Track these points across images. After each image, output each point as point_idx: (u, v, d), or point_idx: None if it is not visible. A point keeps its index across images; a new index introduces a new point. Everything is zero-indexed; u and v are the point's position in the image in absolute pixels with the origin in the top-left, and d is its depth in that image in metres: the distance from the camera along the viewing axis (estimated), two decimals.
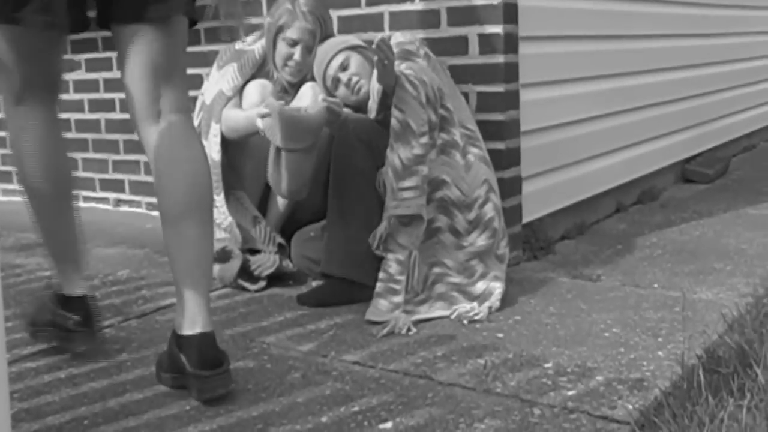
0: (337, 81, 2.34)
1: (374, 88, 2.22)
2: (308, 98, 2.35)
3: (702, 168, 3.82)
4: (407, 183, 2.01)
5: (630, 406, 1.48)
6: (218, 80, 2.45)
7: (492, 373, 1.66)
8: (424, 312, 2.04)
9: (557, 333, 1.89)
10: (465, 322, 1.98)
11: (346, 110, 2.38)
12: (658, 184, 3.56)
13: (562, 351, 1.78)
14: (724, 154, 4.19)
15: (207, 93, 2.48)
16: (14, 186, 3.95)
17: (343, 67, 2.33)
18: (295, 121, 2.10)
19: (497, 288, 2.10)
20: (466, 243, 2.12)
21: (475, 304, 2.06)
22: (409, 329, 1.93)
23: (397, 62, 2.07)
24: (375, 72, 2.21)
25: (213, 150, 2.38)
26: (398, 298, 2.00)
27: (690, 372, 1.55)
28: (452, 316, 2.02)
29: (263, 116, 2.16)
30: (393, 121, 2.04)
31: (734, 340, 1.68)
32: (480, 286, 2.10)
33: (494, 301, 2.07)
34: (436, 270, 2.11)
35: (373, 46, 1.96)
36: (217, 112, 2.39)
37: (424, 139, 2.03)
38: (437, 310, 2.05)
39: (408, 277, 2.02)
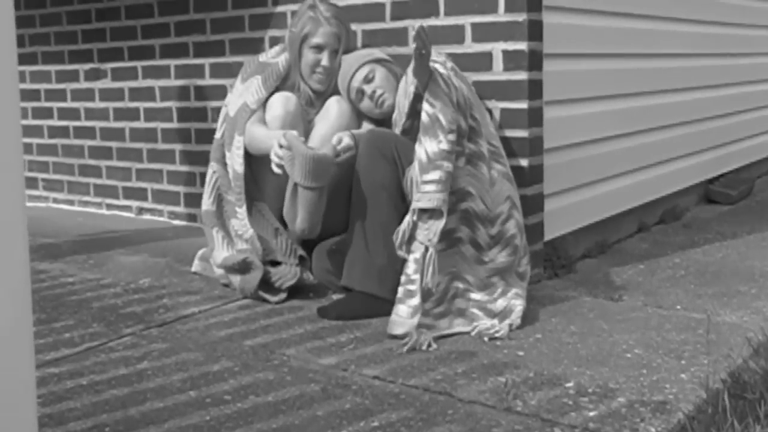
0: (361, 93, 2.35)
1: (399, 101, 2.23)
2: (334, 113, 2.37)
3: (726, 189, 3.79)
4: (430, 176, 2.00)
5: (653, 429, 1.46)
6: (242, 93, 2.47)
7: (513, 391, 1.65)
8: (444, 327, 2.03)
9: (578, 352, 1.88)
10: (486, 339, 1.98)
11: (368, 126, 2.39)
12: (681, 204, 3.53)
13: (584, 371, 1.76)
14: (748, 176, 4.16)
15: (231, 105, 2.49)
16: (39, 192, 4.00)
17: (368, 80, 2.34)
18: (314, 159, 2.10)
19: (518, 305, 2.09)
20: (486, 258, 2.11)
21: (495, 321, 2.05)
22: (429, 345, 1.93)
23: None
24: (401, 83, 2.21)
25: (236, 162, 2.40)
26: (415, 301, 1.98)
27: (714, 396, 1.53)
28: (472, 333, 2.01)
29: (282, 147, 2.16)
30: (423, 116, 2.02)
31: (760, 365, 1.66)
32: (500, 303, 2.09)
33: (515, 318, 2.06)
34: (457, 285, 2.10)
35: (413, 34, 1.95)
36: (241, 124, 2.40)
37: (452, 137, 2.01)
38: (457, 326, 2.04)
39: (422, 274, 1.99)
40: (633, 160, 3.05)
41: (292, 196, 2.16)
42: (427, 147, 2.00)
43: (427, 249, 2.00)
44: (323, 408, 1.60)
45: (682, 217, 3.45)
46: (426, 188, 1.99)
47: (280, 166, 2.16)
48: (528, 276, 2.21)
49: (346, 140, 2.21)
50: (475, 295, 2.10)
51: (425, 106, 2.02)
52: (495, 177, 2.15)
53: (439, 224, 2.00)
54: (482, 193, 2.10)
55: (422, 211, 2.00)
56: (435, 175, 1.99)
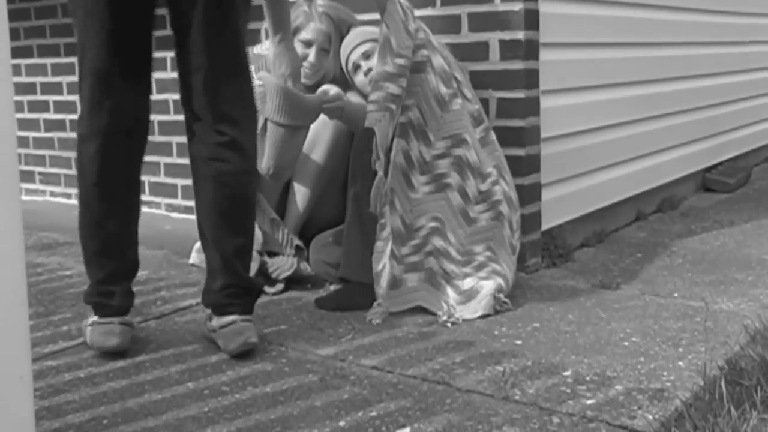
0: (357, 67, 2.36)
1: None
2: None
3: (723, 177, 3.79)
4: (372, 97, 2.02)
5: (650, 417, 1.47)
6: None
7: (510, 380, 1.65)
8: (410, 287, 2.07)
9: (576, 341, 1.88)
10: (448, 325, 1.99)
11: (358, 101, 2.37)
12: (679, 192, 3.53)
13: (581, 359, 1.77)
14: (745, 164, 4.16)
15: None
16: (36, 186, 3.99)
17: (366, 56, 2.34)
18: (287, 95, 2.10)
19: (485, 287, 2.08)
20: (472, 213, 2.12)
21: (461, 298, 2.06)
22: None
23: None
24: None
25: None
26: (386, 232, 2.05)
27: (712, 383, 1.53)
28: (439, 312, 2.04)
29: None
30: (380, 39, 2.05)
31: (757, 352, 1.66)
32: (468, 283, 2.09)
33: (480, 304, 2.05)
34: (437, 242, 2.10)
35: None
36: None
37: (401, 61, 2.03)
38: (421, 292, 2.08)
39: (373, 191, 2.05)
40: (630, 149, 3.05)
41: (261, 133, 2.16)
42: (377, 69, 2.04)
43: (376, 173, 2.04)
44: (321, 398, 1.60)
45: (680, 206, 3.45)
46: (368, 108, 2.02)
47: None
48: (517, 251, 2.22)
49: (334, 90, 2.22)
50: (449, 266, 2.10)
51: (382, 28, 2.05)
52: (484, 139, 2.18)
53: (378, 150, 2.02)
54: (475, 144, 2.12)
55: (366, 129, 2.03)
56: (375, 95, 2.01)
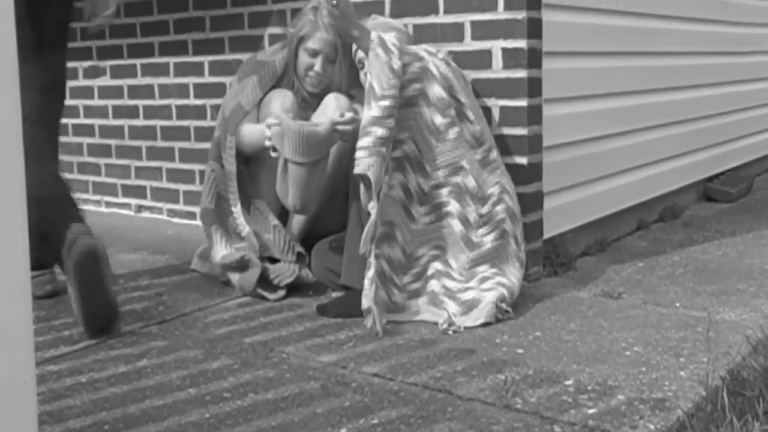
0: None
1: None
2: (332, 108, 2.36)
3: (725, 187, 3.79)
4: (360, 143, 2.04)
5: (652, 427, 1.47)
6: (237, 92, 2.47)
7: (512, 389, 1.65)
8: (413, 312, 2.07)
9: (578, 350, 1.88)
10: (449, 333, 1.99)
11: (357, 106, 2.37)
12: (681, 202, 3.54)
13: (583, 368, 1.76)
14: (747, 174, 4.16)
15: (226, 106, 2.49)
16: None
17: None
18: (303, 134, 2.11)
19: (487, 297, 2.07)
20: (475, 239, 2.12)
21: (462, 309, 2.06)
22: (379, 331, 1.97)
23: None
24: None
25: (228, 162, 2.40)
26: (371, 272, 2.02)
27: (713, 393, 1.53)
28: (440, 320, 2.04)
29: (271, 126, 2.17)
30: (366, 85, 2.08)
31: (759, 362, 1.66)
32: (469, 294, 2.09)
33: (480, 314, 2.04)
34: (437, 266, 2.11)
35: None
36: (233, 125, 2.40)
37: (386, 102, 2.04)
38: (425, 314, 2.09)
39: (365, 233, 2.03)
40: (632, 158, 3.05)
41: (283, 172, 2.17)
42: (364, 115, 2.05)
43: (369, 214, 2.04)
44: (323, 405, 1.60)
45: (682, 215, 3.45)
46: (357, 155, 2.03)
47: (273, 149, 2.18)
48: (524, 264, 2.23)
49: (348, 114, 2.22)
50: (450, 283, 2.11)
51: (368, 75, 2.08)
52: (485, 160, 2.19)
53: (370, 191, 2.02)
54: (474, 170, 2.12)
55: (362, 179, 2.04)
56: (364, 141, 2.03)
